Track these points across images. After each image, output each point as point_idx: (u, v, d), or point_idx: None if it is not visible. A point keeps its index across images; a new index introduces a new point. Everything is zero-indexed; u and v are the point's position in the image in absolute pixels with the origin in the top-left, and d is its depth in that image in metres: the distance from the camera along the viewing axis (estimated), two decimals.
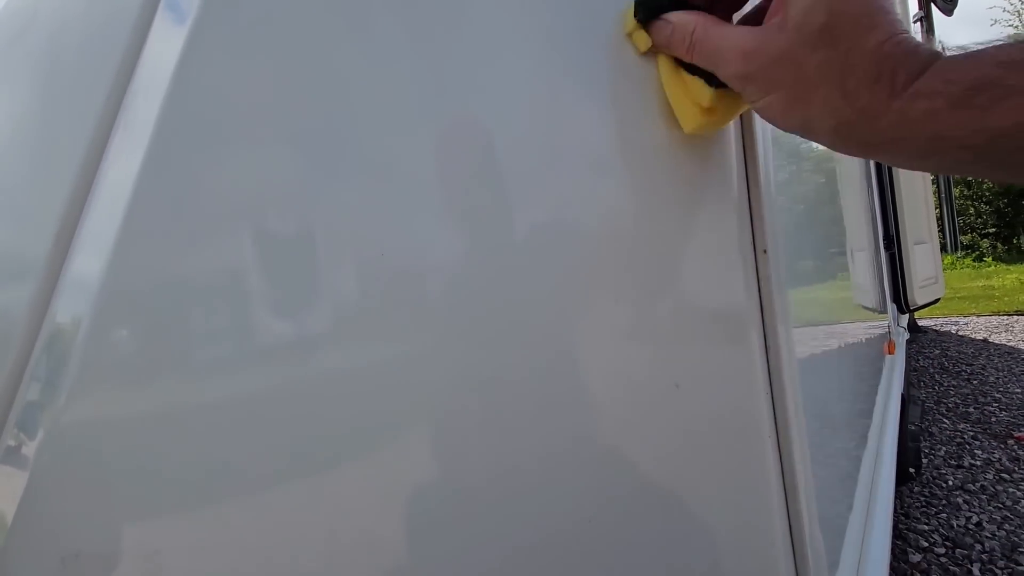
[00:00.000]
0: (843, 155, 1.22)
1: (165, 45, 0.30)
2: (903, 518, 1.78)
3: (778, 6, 0.31)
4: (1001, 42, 0.26)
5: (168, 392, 0.27)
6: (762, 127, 0.46)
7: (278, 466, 0.27)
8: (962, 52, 0.27)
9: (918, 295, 2.53)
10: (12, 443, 0.28)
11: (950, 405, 2.77)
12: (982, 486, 1.92)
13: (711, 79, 0.34)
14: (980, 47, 0.27)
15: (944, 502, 1.85)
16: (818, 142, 0.33)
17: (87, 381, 0.27)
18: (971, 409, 2.68)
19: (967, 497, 1.86)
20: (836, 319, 0.98)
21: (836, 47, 0.28)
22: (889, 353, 1.70)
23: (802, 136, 0.33)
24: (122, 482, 0.27)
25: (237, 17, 0.28)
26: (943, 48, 0.30)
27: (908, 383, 2.20)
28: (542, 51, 0.35)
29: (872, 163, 2.19)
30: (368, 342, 0.29)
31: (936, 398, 2.91)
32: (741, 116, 0.43)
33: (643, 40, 0.36)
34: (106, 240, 0.28)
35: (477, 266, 0.30)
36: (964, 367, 3.42)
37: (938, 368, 3.48)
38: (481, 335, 0.30)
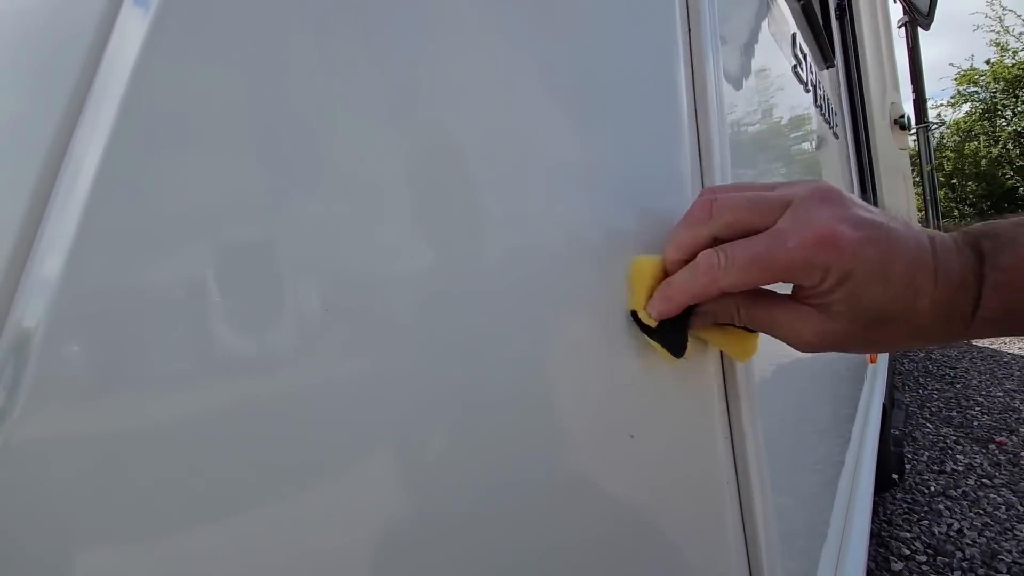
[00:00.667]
0: (820, 153, 1.19)
1: (131, 39, 0.28)
2: (885, 525, 1.78)
3: (818, 299, 0.30)
4: None
5: (127, 406, 0.25)
6: (720, 133, 0.45)
7: (245, 481, 0.26)
8: (989, 230, 0.29)
9: None
10: None
11: (933, 409, 2.79)
12: (963, 492, 1.93)
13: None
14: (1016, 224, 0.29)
15: (926, 508, 1.86)
16: None
17: (40, 394, 0.25)
18: (954, 413, 2.70)
19: (949, 503, 1.87)
20: None
21: (894, 322, 0.29)
22: (871, 362, 1.71)
23: None
24: (75, 504, 0.25)
25: (203, 10, 0.27)
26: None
27: (892, 387, 2.22)
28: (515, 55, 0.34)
29: (853, 164, 2.20)
30: (334, 354, 0.27)
31: (920, 402, 2.93)
32: (698, 129, 0.44)
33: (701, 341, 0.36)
34: (64, 245, 0.26)
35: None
36: (948, 370, 3.45)
37: (922, 371, 3.51)
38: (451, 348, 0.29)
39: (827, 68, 1.46)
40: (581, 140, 0.37)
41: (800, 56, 0.97)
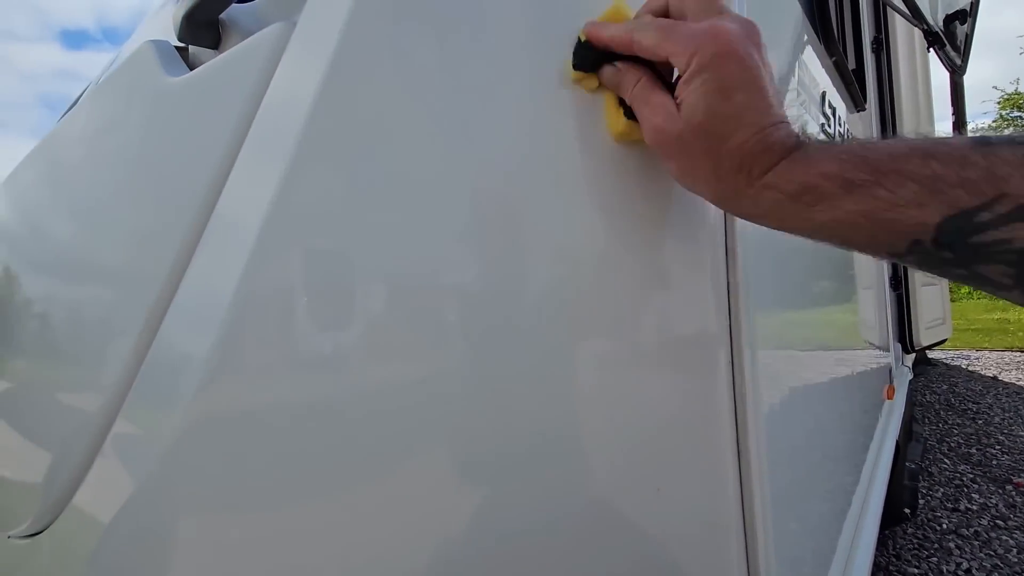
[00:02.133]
0: None
1: (294, 68, 0.38)
2: (894, 559, 1.80)
3: (682, 87, 0.36)
4: (843, 149, 0.33)
5: (295, 392, 0.34)
6: None
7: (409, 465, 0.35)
8: (821, 144, 0.35)
9: (924, 336, 2.55)
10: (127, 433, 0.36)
11: (952, 444, 2.78)
12: (976, 531, 1.94)
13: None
14: (830, 144, 0.35)
15: (936, 546, 1.87)
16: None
17: (214, 380, 0.34)
18: (973, 450, 2.68)
19: (960, 542, 1.88)
20: (831, 362, 1.02)
21: (711, 140, 0.35)
22: (888, 398, 1.73)
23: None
24: (242, 481, 0.34)
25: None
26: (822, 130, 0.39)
27: (911, 419, 2.22)
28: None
29: None
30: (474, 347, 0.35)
31: (939, 436, 2.91)
32: None
33: (590, 84, 0.42)
34: (239, 245, 0.35)
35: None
36: (971, 405, 3.42)
37: (944, 405, 3.47)
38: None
39: (858, 112, 1.50)
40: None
41: (828, 113, 1.03)
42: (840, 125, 1.16)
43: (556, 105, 0.43)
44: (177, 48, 0.57)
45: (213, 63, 0.49)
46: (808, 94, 0.88)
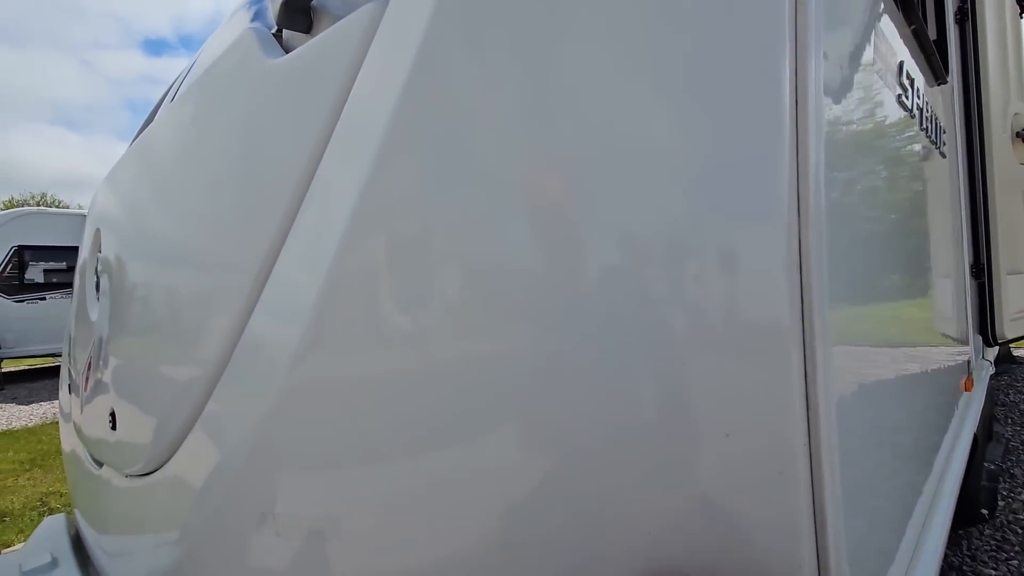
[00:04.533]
0: (923, 173, 1.17)
1: (384, 50, 0.40)
2: (968, 559, 1.71)
3: None
4: None
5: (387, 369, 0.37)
6: (817, 125, 0.49)
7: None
8: None
9: (1008, 328, 2.36)
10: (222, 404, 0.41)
11: None
12: None
13: None
14: None
15: (1017, 548, 1.76)
16: None
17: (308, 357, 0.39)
18: None
19: None
20: (905, 352, 0.98)
21: None
22: (966, 390, 1.63)
23: None
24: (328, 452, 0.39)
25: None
26: None
27: (992, 419, 2.08)
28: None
29: (964, 185, 2.07)
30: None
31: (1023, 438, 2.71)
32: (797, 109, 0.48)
33: None
34: (330, 228, 0.39)
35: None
36: None
37: None
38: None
39: (939, 85, 1.41)
40: (684, 139, 0.45)
41: (906, 84, 0.98)
42: (919, 97, 1.10)
43: (632, 102, 0.44)
44: (273, 34, 0.62)
45: (309, 45, 0.53)
46: (884, 63, 0.84)
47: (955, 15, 2.02)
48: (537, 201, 0.42)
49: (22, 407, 5.49)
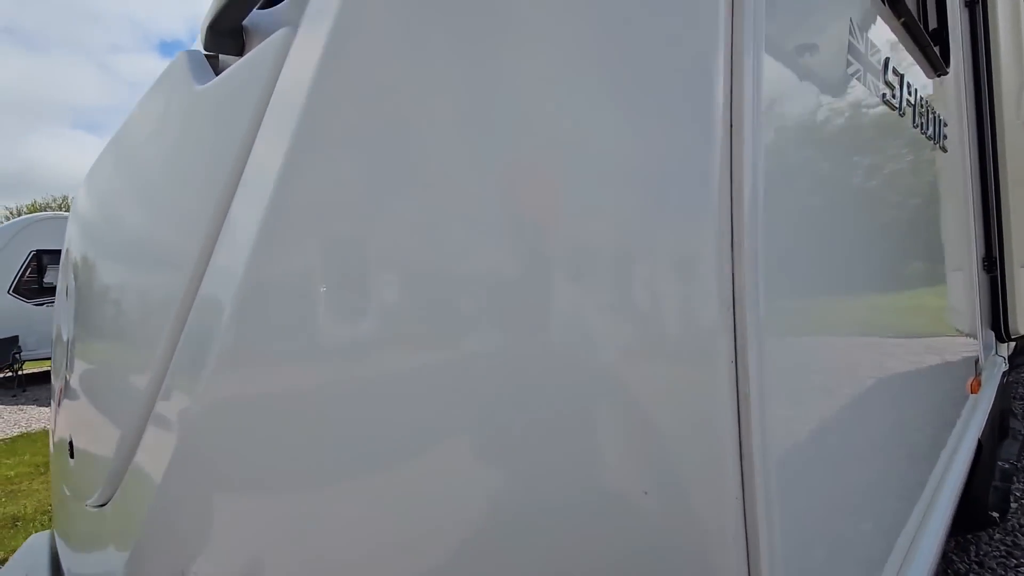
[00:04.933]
0: (915, 173, 1.11)
1: (296, 71, 0.40)
2: (976, 566, 1.66)
3: None
4: None
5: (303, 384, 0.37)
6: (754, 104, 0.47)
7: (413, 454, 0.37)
8: None
9: (1022, 323, 2.28)
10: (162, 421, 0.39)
11: None
12: None
13: None
14: None
15: None
16: None
17: (224, 371, 0.37)
18: None
19: None
20: (882, 361, 0.94)
21: None
22: (972, 392, 1.57)
23: None
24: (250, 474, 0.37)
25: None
26: None
27: (1007, 414, 2.02)
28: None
29: (974, 176, 2.00)
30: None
31: None
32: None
33: None
34: (248, 237, 0.38)
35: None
36: None
37: None
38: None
39: (938, 76, 1.35)
40: (614, 141, 0.44)
41: (892, 82, 0.93)
42: (910, 93, 1.05)
43: (557, 99, 0.42)
44: (210, 56, 0.60)
45: (227, 72, 0.52)
46: (863, 63, 0.80)
47: (963, 0, 1.94)
48: (450, 204, 0.41)
49: (42, 409, 5.63)
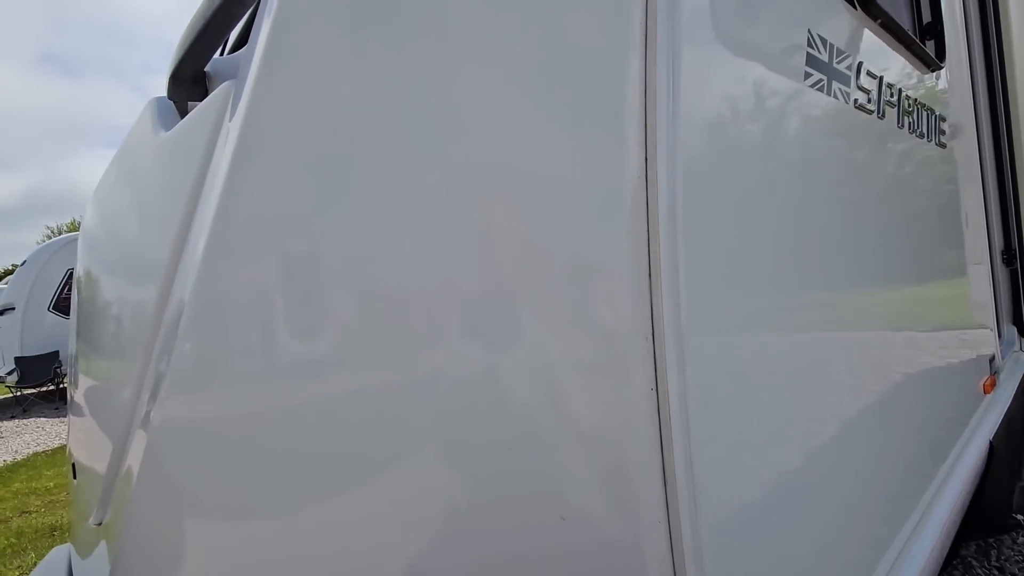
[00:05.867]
0: (903, 175, 1.09)
1: (237, 123, 0.42)
2: (996, 571, 1.61)
3: None
4: None
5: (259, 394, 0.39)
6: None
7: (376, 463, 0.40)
8: None
9: None
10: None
11: None
12: None
13: None
14: None
15: None
16: None
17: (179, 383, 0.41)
18: None
19: None
20: (875, 367, 0.93)
21: None
22: (987, 392, 1.52)
23: None
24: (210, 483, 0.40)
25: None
26: None
27: None
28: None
29: (990, 166, 1.94)
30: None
31: None
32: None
33: None
34: (195, 267, 0.42)
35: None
36: None
37: None
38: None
39: (932, 72, 1.32)
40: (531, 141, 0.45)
41: (867, 87, 0.92)
42: (891, 95, 1.03)
43: (476, 107, 0.44)
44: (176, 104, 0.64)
45: (182, 122, 0.55)
46: (827, 72, 0.80)
47: None
48: (383, 220, 0.44)
49: None
